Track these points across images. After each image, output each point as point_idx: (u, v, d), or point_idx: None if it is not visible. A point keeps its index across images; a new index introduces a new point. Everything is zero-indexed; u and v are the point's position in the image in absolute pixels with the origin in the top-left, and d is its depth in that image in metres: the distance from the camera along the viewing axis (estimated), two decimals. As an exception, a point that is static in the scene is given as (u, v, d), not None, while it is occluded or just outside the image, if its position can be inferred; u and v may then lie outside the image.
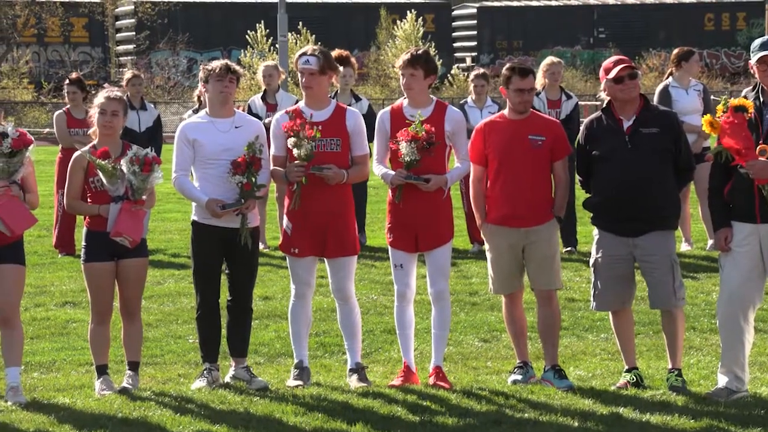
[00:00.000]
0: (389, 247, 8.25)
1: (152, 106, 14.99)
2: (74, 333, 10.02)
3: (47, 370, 8.79)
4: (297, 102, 13.54)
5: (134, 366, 8.10)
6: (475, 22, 56.38)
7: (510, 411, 7.43)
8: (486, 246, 8.34)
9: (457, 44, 56.42)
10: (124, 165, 7.81)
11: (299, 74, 8.07)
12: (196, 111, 13.73)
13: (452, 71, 50.53)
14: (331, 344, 9.46)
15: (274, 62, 15.40)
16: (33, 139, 7.84)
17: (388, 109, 8.27)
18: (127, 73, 14.90)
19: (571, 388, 7.93)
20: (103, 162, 7.79)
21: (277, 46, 39.29)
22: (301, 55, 8.05)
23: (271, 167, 8.09)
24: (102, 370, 8.02)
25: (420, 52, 8.11)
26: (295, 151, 7.90)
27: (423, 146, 7.93)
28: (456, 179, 8.22)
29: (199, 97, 14.12)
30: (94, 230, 7.93)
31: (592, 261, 8.15)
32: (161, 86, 50.06)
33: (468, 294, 11.46)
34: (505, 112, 8.23)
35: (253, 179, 7.90)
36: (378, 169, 8.17)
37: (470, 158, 8.19)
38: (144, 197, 7.88)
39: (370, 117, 11.43)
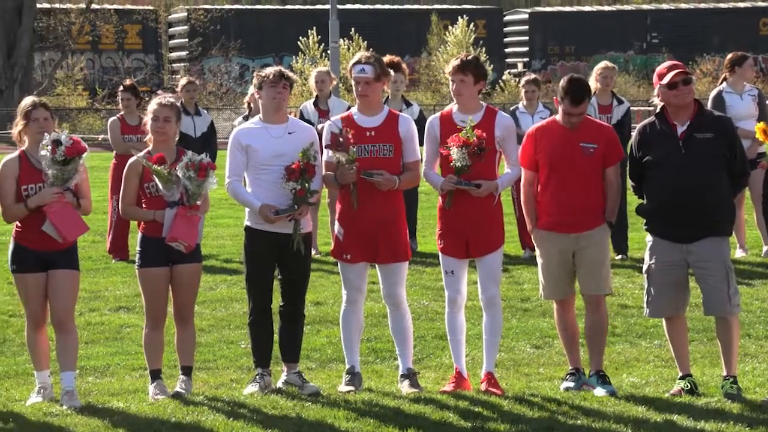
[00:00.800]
0: (440, 254, 8.25)
1: (206, 111, 15.08)
2: (128, 338, 10.09)
3: (101, 375, 8.86)
4: (349, 108, 13.63)
5: (187, 371, 8.14)
6: (527, 27, 56.18)
7: (562, 418, 7.39)
8: (537, 252, 8.32)
9: (508, 50, 56.25)
10: (179, 170, 7.85)
11: (354, 82, 8.07)
12: (246, 117, 13.83)
13: (503, 77, 50.41)
14: (383, 350, 9.46)
15: (326, 68, 15.44)
16: (87, 147, 7.91)
17: (437, 115, 8.28)
18: (182, 80, 15.01)
19: (613, 393, 7.88)
20: (159, 167, 7.85)
21: (328, 52, 39.39)
22: (355, 64, 8.06)
23: (324, 173, 8.11)
24: (156, 375, 8.07)
25: (469, 57, 8.10)
26: (335, 159, 7.91)
27: (474, 152, 7.93)
28: (506, 185, 8.21)
29: (249, 103, 14.19)
30: (149, 236, 7.98)
31: (645, 267, 8.09)
32: (213, 92, 50.34)
33: (520, 300, 11.42)
34: (557, 117, 8.20)
35: (307, 185, 7.92)
36: (427, 175, 8.17)
37: (521, 163, 8.17)
38: (199, 202, 7.93)
39: (421, 122, 11.42)
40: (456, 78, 8.05)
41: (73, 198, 7.86)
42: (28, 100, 8.01)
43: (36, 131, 7.84)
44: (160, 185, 7.88)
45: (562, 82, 8.08)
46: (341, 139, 7.85)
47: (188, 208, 7.88)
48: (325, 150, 8.14)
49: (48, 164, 7.75)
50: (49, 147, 7.71)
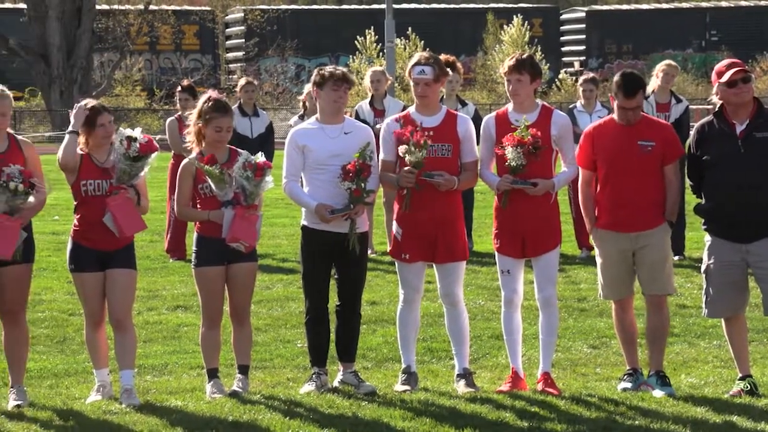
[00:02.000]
0: (496, 253, 8.22)
1: (265, 113, 15.11)
2: (185, 336, 10.16)
3: (159, 373, 8.92)
4: (404, 107, 13.61)
5: (244, 370, 8.18)
6: (584, 26, 55.90)
7: (620, 418, 7.34)
8: (595, 251, 8.26)
9: (565, 48, 56.00)
10: (236, 170, 7.89)
11: (413, 83, 8.06)
12: (302, 116, 13.85)
13: (560, 76, 50.18)
14: (439, 349, 9.45)
15: (381, 68, 15.45)
16: (158, 146, 7.99)
17: (493, 114, 8.25)
18: (241, 80, 15.07)
19: (672, 395, 7.82)
20: (210, 167, 7.89)
21: (385, 51, 39.42)
22: (415, 65, 8.04)
23: (380, 172, 8.11)
24: (213, 374, 8.11)
25: (525, 56, 8.08)
26: (406, 158, 7.91)
27: (529, 151, 7.89)
28: (563, 184, 8.17)
29: (304, 102, 14.21)
30: (205, 235, 8.03)
31: (703, 267, 8.02)
32: (270, 93, 50.57)
33: (576, 300, 11.36)
34: (615, 116, 8.14)
35: (363, 185, 7.93)
36: (483, 175, 8.15)
37: (579, 162, 8.13)
38: (256, 202, 7.96)
39: (476, 122, 11.40)
40: (512, 78, 8.02)
41: (135, 195, 7.92)
42: (92, 103, 8.02)
43: (102, 136, 7.91)
44: (212, 185, 7.92)
45: (615, 78, 8.05)
46: (414, 140, 7.82)
47: (246, 208, 7.91)
48: (382, 149, 8.14)
49: (118, 158, 7.83)
50: (125, 142, 7.79)
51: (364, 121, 13.15)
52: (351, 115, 12.50)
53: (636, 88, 7.93)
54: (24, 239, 7.74)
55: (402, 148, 7.91)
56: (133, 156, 7.82)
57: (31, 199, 7.71)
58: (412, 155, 7.87)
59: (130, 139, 7.82)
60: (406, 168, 7.92)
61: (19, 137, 7.98)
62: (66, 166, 7.87)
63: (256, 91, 15.22)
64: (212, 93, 8.14)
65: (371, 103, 14.08)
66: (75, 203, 8.02)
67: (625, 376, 8.16)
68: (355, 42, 47.62)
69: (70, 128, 7.90)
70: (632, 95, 7.92)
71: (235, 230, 7.86)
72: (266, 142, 14.31)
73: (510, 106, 8.15)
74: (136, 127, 8.09)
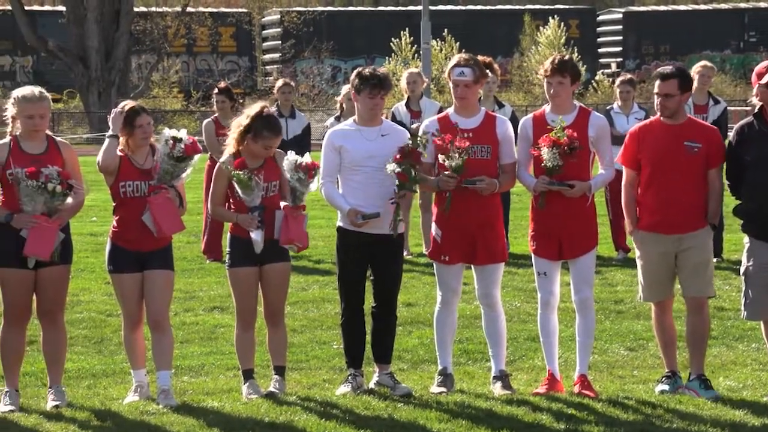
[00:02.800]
0: (532, 255, 8.20)
1: (302, 115, 15.10)
2: (222, 338, 10.19)
3: (196, 374, 8.95)
4: (440, 109, 13.59)
5: (280, 371, 8.19)
6: (621, 27, 55.66)
7: (657, 421, 7.31)
8: (636, 253, 8.22)
9: (601, 50, 55.79)
10: (288, 172, 7.90)
11: (452, 85, 8.04)
12: (338, 118, 13.87)
13: (596, 77, 49.99)
14: (475, 351, 9.43)
15: (417, 69, 15.43)
16: (202, 148, 8.02)
17: (530, 116, 8.23)
18: (279, 82, 15.08)
19: (717, 398, 7.77)
20: (239, 173, 7.90)
21: (420, 53, 39.40)
22: (454, 66, 8.03)
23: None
24: (248, 375, 8.13)
25: (566, 57, 8.05)
26: (446, 163, 7.90)
27: (565, 152, 7.86)
28: (600, 186, 8.14)
29: (341, 104, 14.22)
30: (238, 236, 8.04)
31: (742, 269, 7.96)
32: (306, 94, 50.67)
33: (613, 302, 11.31)
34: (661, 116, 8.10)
35: (411, 172, 7.91)
36: (521, 176, 8.13)
37: (622, 162, 8.10)
38: (303, 202, 7.99)
39: (513, 123, 11.40)
40: (554, 80, 7.97)
41: (176, 196, 7.95)
42: (131, 104, 8.05)
43: (141, 137, 7.94)
44: (239, 190, 7.92)
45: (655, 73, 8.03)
46: (457, 145, 7.81)
47: (294, 209, 7.94)
48: (423, 146, 8.10)
49: (162, 158, 7.86)
50: (170, 142, 7.83)
51: (401, 123, 13.14)
52: (387, 117, 12.49)
53: (670, 75, 7.89)
54: (62, 240, 7.79)
55: (441, 156, 7.89)
56: (177, 156, 7.85)
57: (69, 200, 7.76)
58: (453, 161, 7.85)
59: (176, 140, 7.85)
60: (446, 173, 7.90)
61: (58, 139, 8.02)
62: (106, 169, 7.91)
63: (294, 93, 15.21)
64: (266, 107, 8.11)
65: (407, 105, 14.07)
66: (113, 204, 8.06)
67: (663, 379, 8.12)
68: (391, 44, 47.63)
69: (109, 132, 7.94)
70: (666, 78, 7.88)
71: (290, 232, 7.88)
72: (302, 144, 14.32)
73: (547, 108, 8.13)
74: (173, 129, 8.12)
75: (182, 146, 7.84)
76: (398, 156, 7.85)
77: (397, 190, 7.88)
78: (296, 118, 14.75)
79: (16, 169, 7.68)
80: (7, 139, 7.88)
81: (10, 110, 7.87)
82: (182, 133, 7.94)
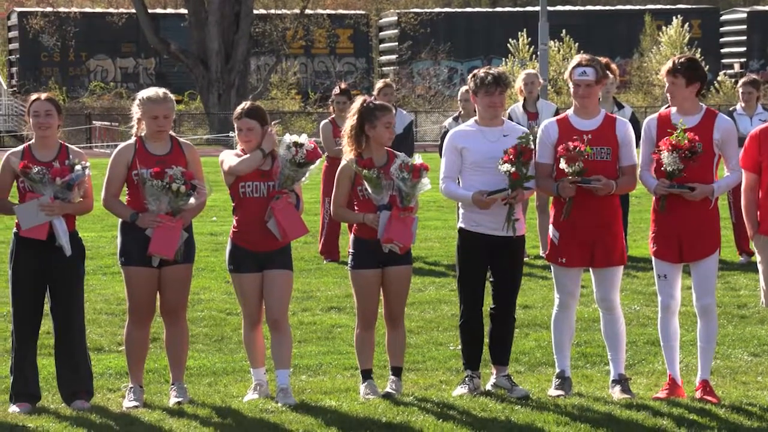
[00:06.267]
0: (653, 258, 8.09)
1: (404, 112, 15.03)
2: (339, 337, 10.25)
3: (314, 373, 9.02)
4: (557, 110, 13.48)
5: (397, 371, 8.21)
6: (745, 26, 54.61)
7: (782, 429, 7.16)
8: (757, 258, 8.06)
9: (724, 50, 54.82)
10: (393, 172, 7.92)
11: (574, 85, 7.98)
12: (456, 118, 13.84)
13: (719, 78, 49.15)
14: (593, 354, 9.34)
15: (534, 70, 15.31)
16: (321, 153, 8.07)
17: (655, 115, 8.13)
18: (379, 83, 15.05)
19: None
20: (368, 172, 7.93)
21: (538, 54, 39.18)
22: (576, 66, 7.97)
23: (537, 177, 8.02)
24: (367, 375, 8.17)
25: (682, 59, 7.94)
26: (567, 169, 7.84)
27: (685, 155, 7.74)
28: (724, 189, 7.99)
29: (463, 104, 14.16)
30: (361, 237, 8.08)
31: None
32: (422, 95, 50.74)
33: (736, 306, 11.10)
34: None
35: (524, 170, 7.87)
36: (643, 178, 8.02)
37: (743, 165, 7.94)
38: (412, 204, 7.99)
39: (633, 125, 11.29)
40: (668, 79, 7.91)
41: (296, 199, 8.02)
42: (237, 109, 8.15)
43: (241, 139, 8.04)
44: (369, 189, 7.96)
45: None
46: (573, 152, 7.75)
47: (402, 210, 7.94)
48: (538, 151, 8.06)
49: (284, 164, 7.93)
50: (293, 149, 7.90)
51: (518, 124, 13.07)
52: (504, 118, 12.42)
53: None
54: (185, 240, 7.91)
55: (563, 162, 7.83)
56: (299, 162, 7.91)
57: (192, 200, 7.88)
58: (573, 165, 7.78)
59: (297, 146, 7.90)
60: (568, 178, 7.83)
61: (181, 140, 8.15)
62: (235, 173, 7.97)
63: (394, 94, 15.11)
64: (366, 99, 8.16)
65: (524, 106, 14.00)
66: (233, 205, 8.15)
67: (788, 386, 7.95)
68: (508, 45, 47.44)
69: (262, 147, 7.95)
70: None
71: (390, 231, 7.89)
72: (404, 143, 14.20)
73: (673, 109, 8.02)
74: (293, 132, 8.17)
75: (304, 152, 7.89)
76: (510, 155, 7.82)
77: (510, 190, 7.85)
78: (398, 116, 14.69)
79: (142, 170, 7.82)
80: (133, 140, 8.03)
81: (136, 111, 8.02)
82: (303, 138, 7.98)
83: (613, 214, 8.00)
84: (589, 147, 7.79)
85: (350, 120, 8.06)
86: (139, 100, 8.00)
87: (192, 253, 8.07)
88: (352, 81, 49.20)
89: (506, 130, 8.09)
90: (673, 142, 7.74)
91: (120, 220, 7.99)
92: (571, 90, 8.02)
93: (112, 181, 7.94)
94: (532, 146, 7.88)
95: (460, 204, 8.27)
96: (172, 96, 8.10)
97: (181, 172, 7.78)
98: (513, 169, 7.82)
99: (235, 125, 8.05)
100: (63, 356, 7.98)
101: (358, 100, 8.15)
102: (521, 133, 8.07)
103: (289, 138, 7.94)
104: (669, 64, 7.94)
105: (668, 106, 8.05)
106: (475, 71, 8.13)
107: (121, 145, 8.09)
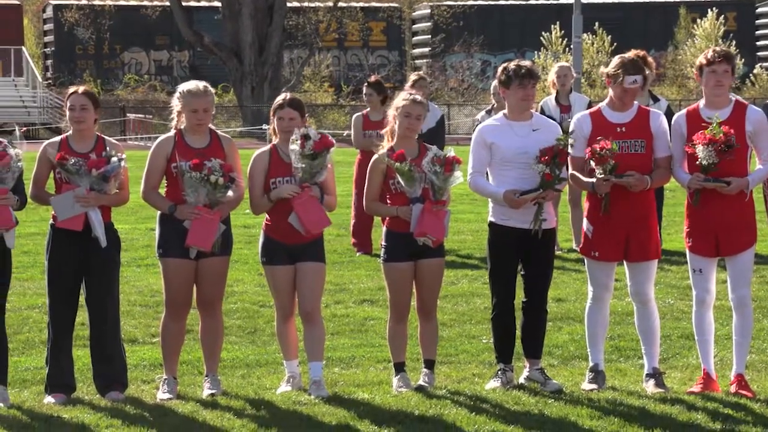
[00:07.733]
0: (687, 251, 8.06)
1: (435, 106, 14.99)
2: (372, 330, 10.26)
3: (347, 366, 9.03)
4: (590, 103, 13.42)
5: (430, 364, 8.21)
6: (781, 19, 54.23)
7: (817, 424, 7.11)
8: (792, 251, 8.02)
9: (760, 43, 54.44)
10: (425, 165, 7.91)
11: (620, 91, 7.84)
12: (489, 111, 13.80)
13: (755, 71, 48.83)
14: (626, 348, 9.31)
15: (567, 63, 15.24)
16: (334, 141, 8.06)
17: (683, 111, 8.08)
18: (412, 75, 15.01)
19: None
20: (401, 165, 7.93)
21: (571, 47, 39.04)
22: (627, 74, 7.80)
23: (572, 171, 8.00)
24: (399, 368, 8.17)
25: (718, 49, 7.88)
26: (599, 170, 7.80)
27: (721, 149, 7.69)
28: (758, 182, 7.94)
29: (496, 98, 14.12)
30: (394, 230, 8.07)
31: None
32: (455, 89, 50.67)
33: (771, 301, 11.04)
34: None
35: (557, 172, 7.85)
36: (675, 173, 7.97)
37: (777, 159, 7.89)
38: (445, 197, 7.97)
39: (669, 117, 11.23)
40: (720, 68, 7.74)
41: (318, 192, 8.02)
42: (278, 99, 8.23)
43: (282, 129, 8.06)
44: (402, 182, 7.95)
45: None
46: (601, 153, 7.72)
47: (435, 203, 7.94)
48: (571, 146, 8.04)
49: (297, 158, 7.94)
50: (298, 141, 7.90)
51: (550, 117, 13.03)
52: (536, 111, 12.39)
53: None
54: (222, 232, 7.94)
55: (592, 163, 7.80)
56: (308, 154, 7.90)
57: (230, 193, 7.90)
58: (605, 166, 7.74)
59: (305, 138, 7.89)
60: (601, 176, 7.79)
61: (220, 133, 8.19)
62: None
63: (428, 87, 15.06)
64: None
65: (557, 99, 13.95)
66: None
67: (823, 381, 7.90)
68: (542, 37, 47.29)
69: (271, 197, 8.01)
70: None
71: (423, 224, 7.89)
72: (436, 137, 14.15)
73: (701, 103, 7.96)
74: (312, 125, 8.17)
75: (311, 143, 7.86)
76: (546, 156, 7.79)
77: (542, 190, 7.82)
78: (429, 110, 14.65)
79: (181, 162, 7.85)
80: (172, 132, 8.07)
81: (176, 104, 8.06)
82: (310, 130, 7.96)
83: (647, 208, 7.97)
84: (614, 143, 7.74)
85: (393, 109, 8.05)
86: (180, 93, 8.03)
87: (229, 245, 8.10)
88: (384, 74, 49.17)
89: (535, 125, 8.06)
90: (709, 136, 7.69)
91: (159, 212, 8.03)
92: (613, 91, 7.93)
93: (151, 173, 7.98)
94: (570, 150, 7.85)
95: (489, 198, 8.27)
96: (212, 90, 8.15)
97: (220, 165, 7.80)
98: (547, 170, 7.80)
99: (276, 115, 8.07)
100: (98, 348, 8.03)
101: (403, 93, 8.11)
102: (551, 128, 8.04)
103: (296, 132, 7.92)
104: (714, 53, 7.78)
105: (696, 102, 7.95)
106: (505, 64, 8.11)
107: (161, 137, 8.13)
